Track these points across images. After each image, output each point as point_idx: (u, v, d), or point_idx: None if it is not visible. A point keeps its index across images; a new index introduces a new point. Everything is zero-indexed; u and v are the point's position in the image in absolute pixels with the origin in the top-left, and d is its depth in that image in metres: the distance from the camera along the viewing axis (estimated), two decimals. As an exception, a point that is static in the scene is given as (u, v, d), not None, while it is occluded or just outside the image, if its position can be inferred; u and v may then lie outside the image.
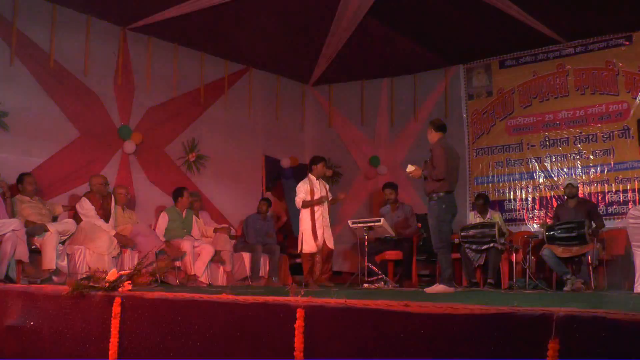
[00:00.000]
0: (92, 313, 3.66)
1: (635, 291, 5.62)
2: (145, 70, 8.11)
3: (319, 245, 6.95)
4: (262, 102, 9.56)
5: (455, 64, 9.16)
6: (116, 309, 3.53)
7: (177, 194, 7.47)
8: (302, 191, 7.07)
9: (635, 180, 7.67)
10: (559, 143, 8.28)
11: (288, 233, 9.40)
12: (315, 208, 7.04)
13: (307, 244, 6.97)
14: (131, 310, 3.52)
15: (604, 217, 7.35)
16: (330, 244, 7.15)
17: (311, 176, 7.17)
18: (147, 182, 8.01)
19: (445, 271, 5.61)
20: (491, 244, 6.94)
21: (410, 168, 5.89)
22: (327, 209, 7.20)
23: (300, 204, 7.03)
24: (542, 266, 7.07)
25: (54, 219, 6.53)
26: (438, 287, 5.53)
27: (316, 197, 7.02)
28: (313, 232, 6.96)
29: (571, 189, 7.12)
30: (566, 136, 8.21)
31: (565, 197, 7.31)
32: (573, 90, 8.22)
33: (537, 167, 8.40)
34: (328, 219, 7.18)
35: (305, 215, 7.03)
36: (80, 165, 7.31)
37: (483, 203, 7.81)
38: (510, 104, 8.72)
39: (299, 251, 7.12)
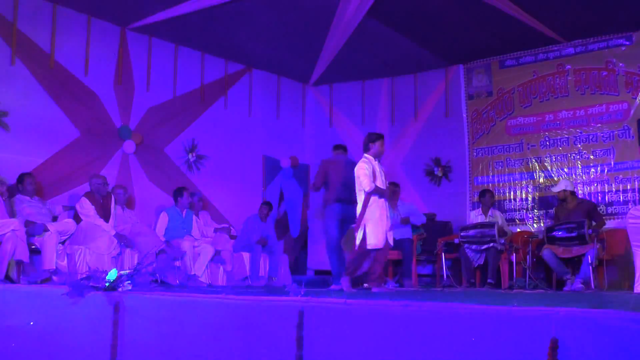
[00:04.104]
0: (92, 313, 3.66)
1: (635, 291, 5.61)
2: (145, 70, 8.11)
3: (383, 240, 5.72)
4: (262, 102, 9.56)
5: (455, 64, 9.15)
6: (116, 309, 3.53)
7: (177, 194, 7.46)
8: (365, 172, 5.70)
9: (635, 180, 7.66)
10: (559, 143, 8.27)
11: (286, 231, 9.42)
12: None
13: (375, 238, 5.63)
14: (131, 310, 3.52)
15: (604, 217, 7.33)
16: (391, 239, 5.90)
17: (369, 156, 5.90)
18: (147, 182, 8.01)
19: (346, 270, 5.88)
20: (491, 244, 6.94)
21: None
22: None
23: (370, 186, 5.63)
24: (542, 266, 7.07)
25: (54, 219, 6.53)
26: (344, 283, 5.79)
27: (378, 181, 5.79)
28: (381, 223, 5.70)
29: (571, 195, 7.03)
30: (566, 136, 8.21)
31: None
32: (573, 90, 8.21)
33: (537, 167, 8.40)
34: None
35: (372, 201, 5.71)
36: (80, 165, 7.31)
37: (489, 197, 7.74)
38: (510, 104, 8.71)
39: (362, 246, 5.65)
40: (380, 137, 6.00)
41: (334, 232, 6.36)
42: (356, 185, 5.81)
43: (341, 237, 6.21)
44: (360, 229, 5.64)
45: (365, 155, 5.93)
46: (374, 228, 5.63)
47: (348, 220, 6.25)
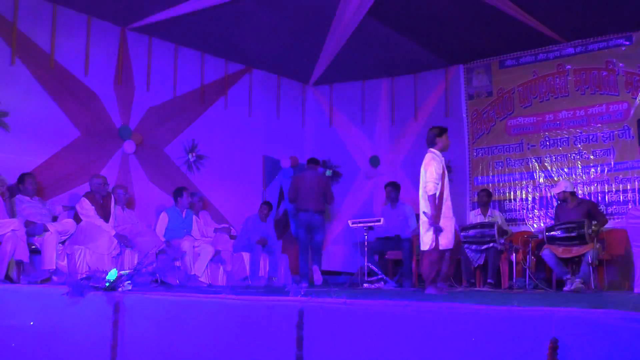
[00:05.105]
0: (92, 313, 3.66)
1: (635, 291, 5.62)
2: (145, 70, 8.11)
3: (453, 239, 5.41)
4: (262, 102, 9.56)
5: (455, 64, 9.15)
6: (116, 309, 3.53)
7: (177, 194, 7.47)
8: (434, 174, 5.30)
9: (635, 180, 7.66)
10: (559, 143, 8.27)
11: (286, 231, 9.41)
12: (447, 193, 5.46)
13: (445, 238, 5.33)
14: (131, 310, 3.52)
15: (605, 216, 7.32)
16: (459, 234, 5.72)
17: (437, 151, 5.48)
18: (147, 182, 8.01)
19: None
20: (491, 244, 6.94)
21: None
22: None
23: (431, 191, 5.26)
24: (542, 266, 7.07)
25: (54, 219, 6.53)
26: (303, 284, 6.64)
27: (446, 178, 5.43)
28: (450, 222, 5.40)
29: (571, 195, 7.03)
30: (566, 136, 8.21)
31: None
32: (573, 90, 8.21)
33: (537, 167, 8.40)
34: None
35: (439, 200, 5.36)
36: (80, 165, 7.31)
37: (486, 195, 7.76)
38: (510, 104, 8.71)
39: (428, 248, 5.29)
40: (445, 130, 5.60)
41: (302, 237, 7.60)
42: (421, 181, 5.43)
43: (307, 242, 7.58)
44: (429, 231, 5.30)
45: (433, 150, 5.48)
46: (444, 228, 5.32)
47: (313, 226, 7.53)
